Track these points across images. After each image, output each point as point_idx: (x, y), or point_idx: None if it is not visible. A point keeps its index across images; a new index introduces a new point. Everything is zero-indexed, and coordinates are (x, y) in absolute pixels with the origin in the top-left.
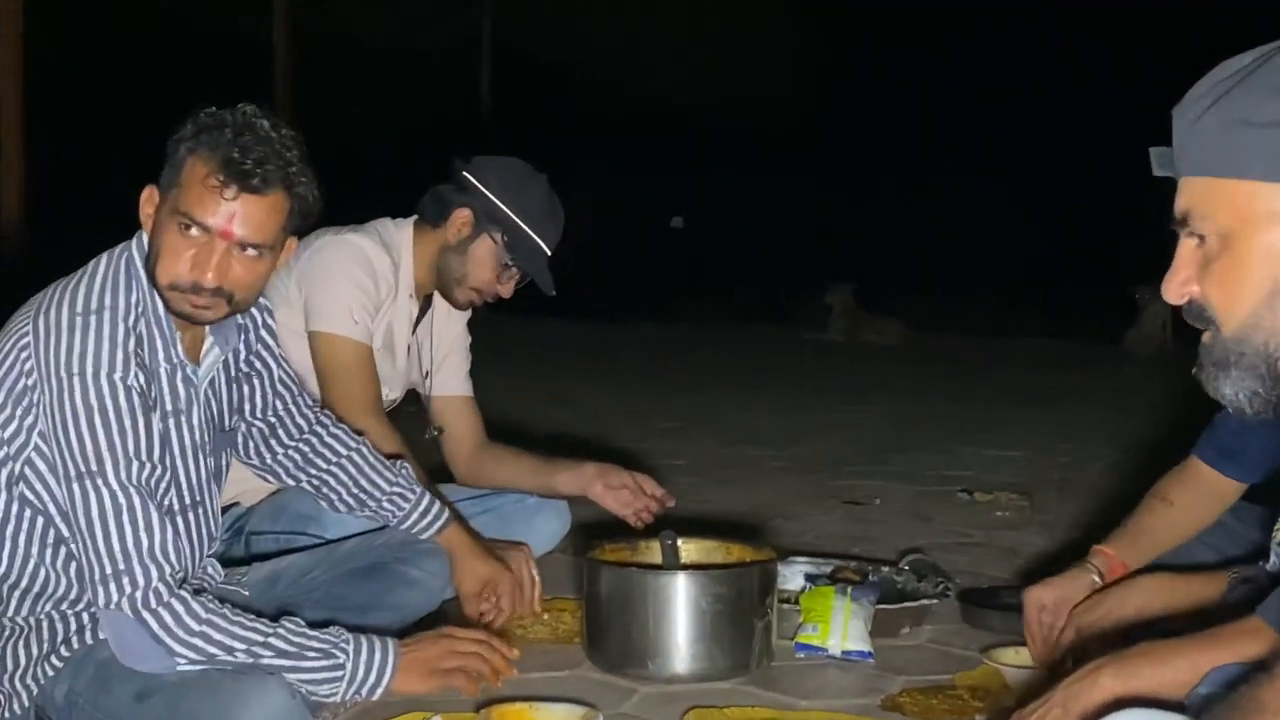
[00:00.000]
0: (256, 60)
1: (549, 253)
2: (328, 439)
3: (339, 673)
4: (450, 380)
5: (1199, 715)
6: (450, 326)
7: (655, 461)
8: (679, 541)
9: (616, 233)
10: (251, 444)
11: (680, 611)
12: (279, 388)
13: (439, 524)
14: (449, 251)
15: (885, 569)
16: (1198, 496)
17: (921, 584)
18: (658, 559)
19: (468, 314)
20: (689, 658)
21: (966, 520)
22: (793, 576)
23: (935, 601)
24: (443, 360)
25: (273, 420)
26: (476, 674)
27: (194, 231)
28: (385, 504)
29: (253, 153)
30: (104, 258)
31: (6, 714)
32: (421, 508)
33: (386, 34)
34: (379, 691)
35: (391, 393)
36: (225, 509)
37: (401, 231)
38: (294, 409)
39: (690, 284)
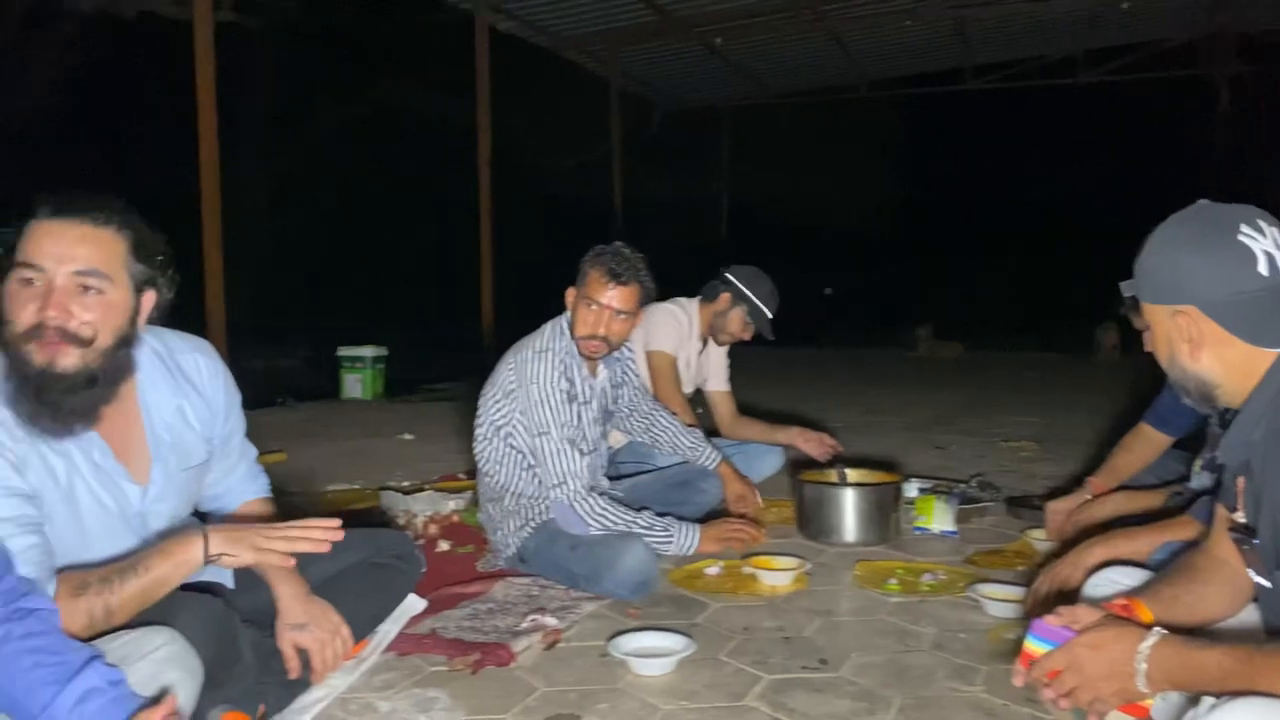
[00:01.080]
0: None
1: (771, 317)
2: (658, 417)
3: (670, 539)
4: (717, 381)
5: (1155, 570)
6: (718, 355)
7: (827, 426)
8: (847, 469)
9: (797, 298)
10: (621, 418)
11: (850, 507)
12: (635, 392)
13: (715, 462)
14: (717, 316)
15: (961, 485)
16: (1145, 446)
17: (983, 493)
18: (835, 479)
19: (727, 348)
20: (855, 533)
21: (1005, 457)
22: (910, 489)
23: (991, 504)
24: (713, 371)
25: (630, 407)
26: (742, 541)
27: (594, 307)
28: (687, 451)
29: (622, 265)
30: (550, 324)
31: (506, 555)
32: (707, 453)
33: (663, 195)
34: (691, 551)
35: (687, 388)
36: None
37: (692, 304)
38: (643, 401)
39: (834, 324)
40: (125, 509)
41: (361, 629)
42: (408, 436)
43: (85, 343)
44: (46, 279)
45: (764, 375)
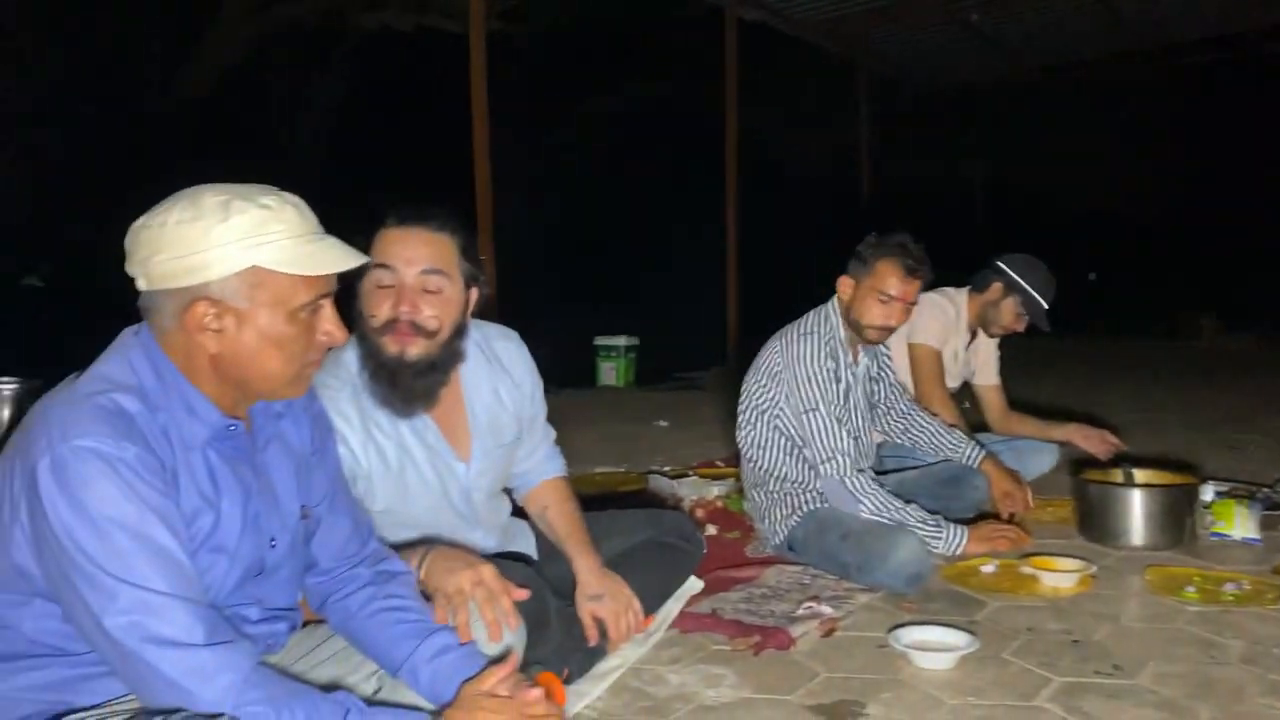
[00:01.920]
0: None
1: (1047, 307)
2: (916, 416)
3: (939, 536)
4: (986, 375)
5: None
6: (987, 347)
7: (1105, 422)
8: (1132, 469)
9: (1060, 284)
10: (878, 416)
11: (1140, 509)
12: (893, 390)
13: (978, 459)
14: (987, 307)
15: (1265, 489)
16: None
17: None
18: (1119, 479)
19: (997, 340)
20: (1144, 536)
21: None
22: (1207, 492)
23: None
24: (981, 365)
25: (887, 405)
26: (1010, 541)
27: (884, 299)
28: (948, 450)
29: (915, 259)
30: (813, 312)
31: (774, 542)
32: (969, 451)
33: (913, 179)
34: (958, 551)
35: (954, 382)
36: None
37: (960, 294)
38: (900, 400)
39: (1103, 312)
40: (450, 485)
41: (650, 604)
42: (663, 423)
43: (430, 335)
44: (398, 279)
45: (1027, 368)
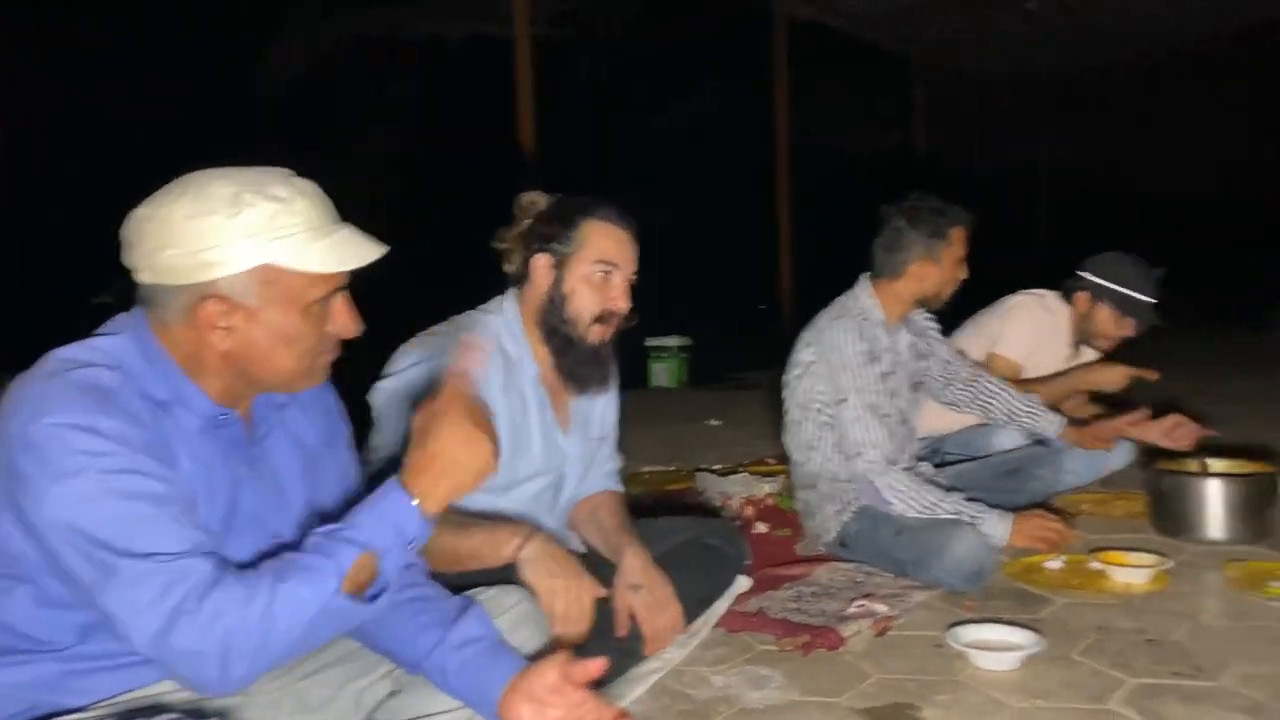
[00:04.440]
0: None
1: (1153, 301)
2: (984, 383)
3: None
4: None
5: None
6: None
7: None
8: (1209, 459)
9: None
10: (937, 390)
11: (1217, 500)
12: (948, 363)
13: (1058, 427)
14: (1081, 320)
15: None
16: None
17: None
18: (1195, 469)
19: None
20: (1223, 529)
21: None
22: None
23: None
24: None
25: (946, 377)
26: (1050, 542)
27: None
28: (1024, 417)
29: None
30: (841, 297)
31: (826, 540)
32: (1046, 418)
33: (975, 176)
34: (1000, 543)
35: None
36: (923, 439)
37: (1063, 304)
38: (961, 368)
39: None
40: (553, 456)
41: (690, 609)
42: (715, 422)
43: (620, 330)
44: (621, 277)
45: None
